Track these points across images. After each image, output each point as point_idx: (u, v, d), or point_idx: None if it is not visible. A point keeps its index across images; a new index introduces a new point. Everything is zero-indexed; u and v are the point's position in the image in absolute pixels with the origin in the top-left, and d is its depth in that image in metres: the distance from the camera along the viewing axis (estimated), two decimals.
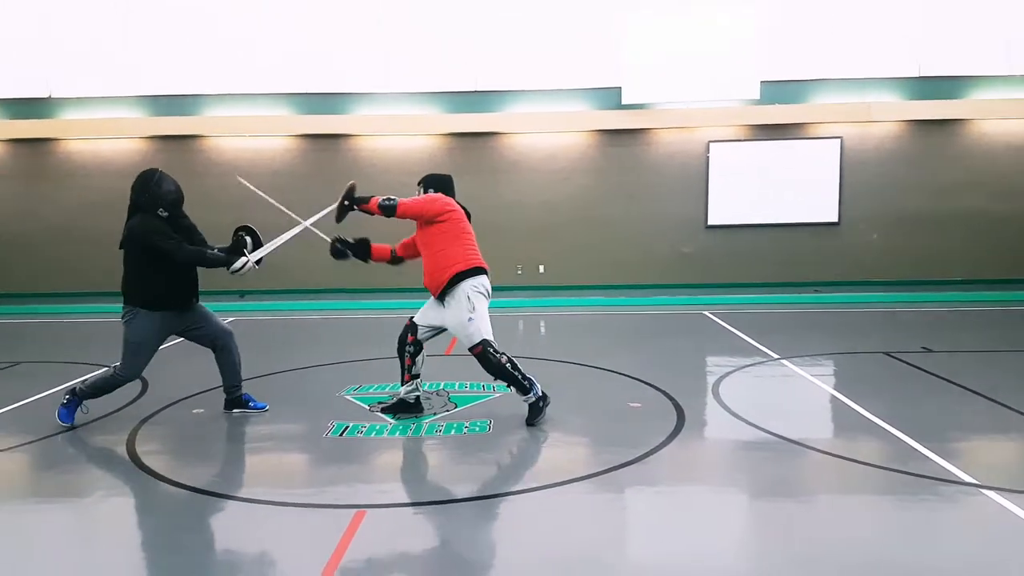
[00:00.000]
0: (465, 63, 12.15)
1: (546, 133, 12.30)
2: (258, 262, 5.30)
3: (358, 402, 5.85)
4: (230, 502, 4.00)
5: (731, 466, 4.61)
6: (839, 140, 12.27)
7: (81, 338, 9.34)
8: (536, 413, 5.21)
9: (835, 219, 12.44)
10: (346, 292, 11.88)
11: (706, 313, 10.27)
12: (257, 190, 5.74)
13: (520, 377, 5.12)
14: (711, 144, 12.27)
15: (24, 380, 6.81)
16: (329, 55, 12.17)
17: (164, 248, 4.99)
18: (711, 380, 6.48)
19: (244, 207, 12.48)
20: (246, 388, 5.68)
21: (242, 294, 12.19)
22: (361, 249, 5.46)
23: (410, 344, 5.34)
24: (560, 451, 4.89)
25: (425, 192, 5.32)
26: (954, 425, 5.20)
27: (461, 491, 4.10)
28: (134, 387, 6.38)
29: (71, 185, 12.51)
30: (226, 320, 10.06)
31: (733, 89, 11.83)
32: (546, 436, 5.08)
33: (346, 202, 5.04)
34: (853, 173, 12.32)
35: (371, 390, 6.17)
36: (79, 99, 12.28)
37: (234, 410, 5.60)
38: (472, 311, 5.05)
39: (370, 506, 3.89)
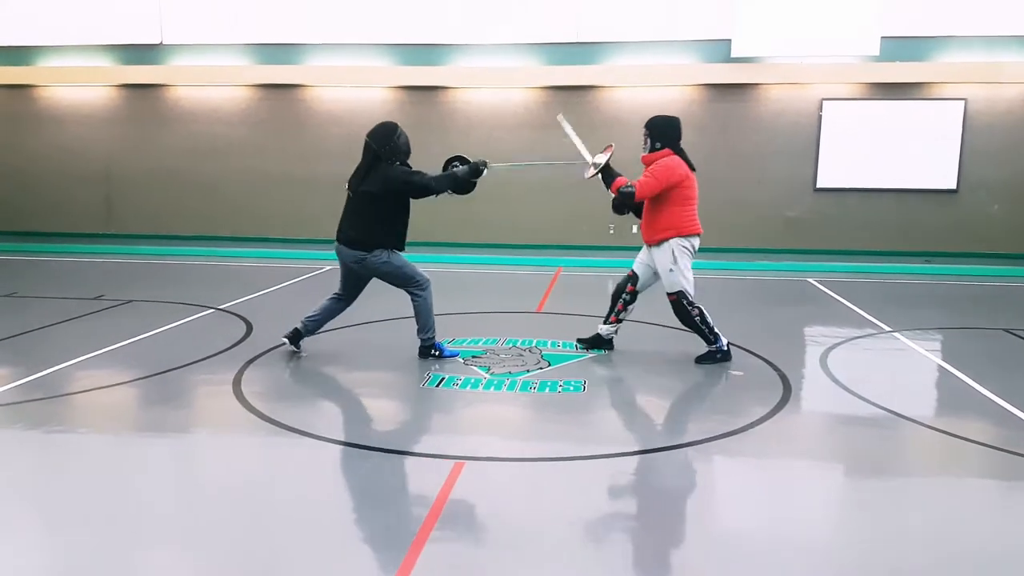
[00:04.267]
0: (566, 13, 11.80)
1: (649, 87, 11.84)
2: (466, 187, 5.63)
3: (453, 354, 5.86)
4: (333, 446, 4.07)
5: (838, 441, 4.40)
6: (963, 102, 11.36)
7: (187, 279, 9.73)
8: (710, 359, 5.65)
9: (953, 186, 11.61)
10: (440, 246, 11.95)
11: (811, 280, 9.83)
12: (571, 132, 6.07)
13: (707, 330, 5.59)
14: (824, 102, 11.56)
15: (136, 318, 7.12)
16: (429, 4, 12.05)
17: (423, 183, 5.38)
18: (818, 351, 6.18)
19: (343, 157, 12.75)
20: (352, 335, 5.80)
21: None
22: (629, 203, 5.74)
23: (627, 294, 5.83)
24: (658, 416, 4.77)
25: (651, 139, 5.59)
26: None
27: (557, 450, 4.05)
28: (238, 330, 6.61)
29: (179, 131, 12.94)
30: (324, 268, 10.41)
31: (850, 44, 11.03)
32: (644, 400, 4.98)
33: (602, 167, 5.62)
34: (976, 138, 11.41)
35: (465, 343, 6.17)
36: (188, 46, 12.62)
37: (428, 357, 5.72)
38: (674, 263, 5.49)
39: (469, 458, 3.88)
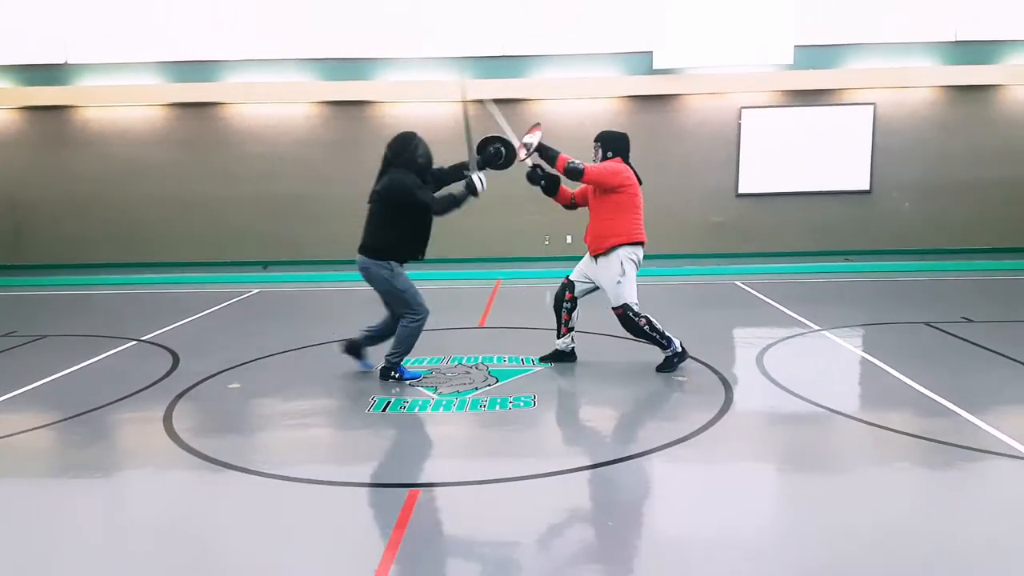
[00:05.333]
0: (491, 27, 11.82)
1: (575, 99, 11.99)
2: (502, 162, 5.56)
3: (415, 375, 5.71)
4: (278, 482, 3.87)
5: (780, 440, 4.50)
6: (872, 106, 11.94)
7: (104, 309, 9.25)
8: (669, 366, 5.68)
9: (867, 187, 12.16)
10: None
11: (738, 283, 10.07)
12: (498, 115, 5.96)
13: (659, 336, 5.61)
14: (743, 110, 11.96)
15: (51, 354, 6.71)
16: (351, 19, 11.87)
17: (423, 200, 5.15)
18: (754, 352, 6.31)
19: (265, 177, 12.43)
20: (285, 361, 5.58)
21: (265, 265, 12.09)
22: (552, 184, 5.79)
23: (567, 301, 5.86)
24: (610, 428, 4.76)
25: (603, 150, 5.63)
26: (1005, 397, 5.08)
27: (513, 469, 3.98)
28: (164, 362, 6.30)
29: (89, 154, 12.35)
30: (251, 292, 10.06)
31: (766, 53, 11.46)
32: (594, 412, 4.96)
33: (535, 147, 5.48)
34: (886, 140, 12.01)
35: (410, 363, 6.02)
36: (95, 65, 12.06)
37: (347, 353, 5.72)
38: (622, 275, 5.52)
39: (423, 485, 3.77)
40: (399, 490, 3.69)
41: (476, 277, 10.99)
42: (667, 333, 5.64)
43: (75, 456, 4.41)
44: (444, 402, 5.05)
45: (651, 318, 5.61)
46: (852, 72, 11.78)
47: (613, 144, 5.66)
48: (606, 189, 5.48)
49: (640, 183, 5.63)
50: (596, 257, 5.65)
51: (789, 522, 3.42)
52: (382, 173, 5.32)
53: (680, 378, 5.57)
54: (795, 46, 11.40)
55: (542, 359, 6.02)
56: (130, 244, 12.52)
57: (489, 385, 5.42)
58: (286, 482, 3.86)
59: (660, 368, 5.68)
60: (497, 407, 4.94)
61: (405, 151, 5.25)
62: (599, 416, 4.92)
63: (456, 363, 6.03)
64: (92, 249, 12.51)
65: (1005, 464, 3.91)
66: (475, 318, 7.85)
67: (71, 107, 12.22)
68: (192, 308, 8.75)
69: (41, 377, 5.87)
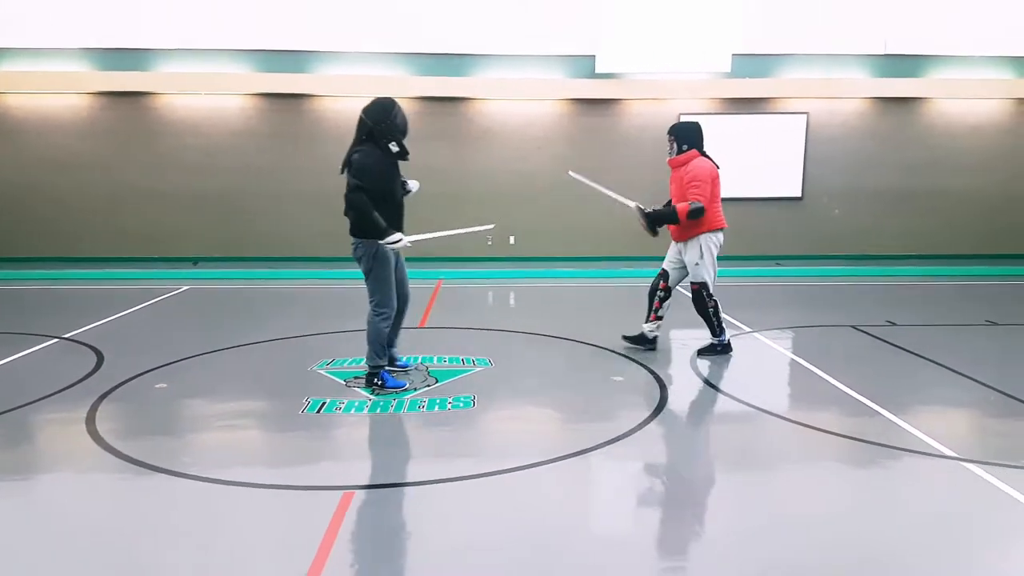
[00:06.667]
0: (434, 25, 11.74)
1: (518, 100, 12.01)
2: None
3: (332, 376, 5.62)
4: (208, 485, 3.76)
5: (712, 438, 4.62)
6: (806, 116, 12.31)
7: (24, 306, 8.82)
8: (711, 351, 6.26)
9: (799, 194, 12.53)
10: (307, 261, 11.52)
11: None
12: (590, 182, 6.63)
13: (716, 323, 6.18)
14: (681, 116, 12.14)
15: None
16: (291, 10, 11.62)
17: (351, 198, 4.97)
18: (688, 353, 6.43)
19: (197, 170, 12.05)
20: (214, 361, 5.41)
21: (195, 261, 11.73)
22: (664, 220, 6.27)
23: (661, 290, 6.32)
24: (547, 427, 4.76)
25: (677, 143, 6.04)
26: (927, 398, 5.31)
27: (451, 470, 3.95)
28: (87, 361, 6.05)
29: (11, 143, 11.77)
30: (180, 288, 9.75)
31: (705, 61, 11.70)
32: (533, 412, 4.96)
33: (649, 224, 6.21)
34: (818, 149, 12.40)
35: (345, 364, 5.94)
36: (19, 50, 11.50)
37: (371, 386, 5.36)
38: (700, 258, 6.07)
39: (357, 487, 3.71)
40: (332, 492, 3.62)
41: (417, 277, 10.85)
42: (723, 325, 6.23)
43: None
44: (381, 403, 4.98)
45: (719, 305, 6.18)
46: (787, 82, 12.11)
47: (687, 136, 6.05)
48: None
49: (718, 167, 6.05)
50: (679, 243, 6.17)
51: (720, 520, 3.48)
52: (356, 143, 5.08)
53: (617, 378, 5.63)
54: (733, 54, 11.68)
55: (625, 337, 6.46)
56: (54, 238, 11.99)
57: (428, 386, 5.37)
58: (215, 485, 3.75)
59: (701, 352, 6.25)
60: (436, 408, 4.90)
61: (385, 119, 5.04)
62: (538, 416, 4.93)
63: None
64: (12, 244, 11.94)
65: (926, 463, 4.07)
66: (416, 318, 7.78)
67: None
68: (118, 305, 8.42)
69: None
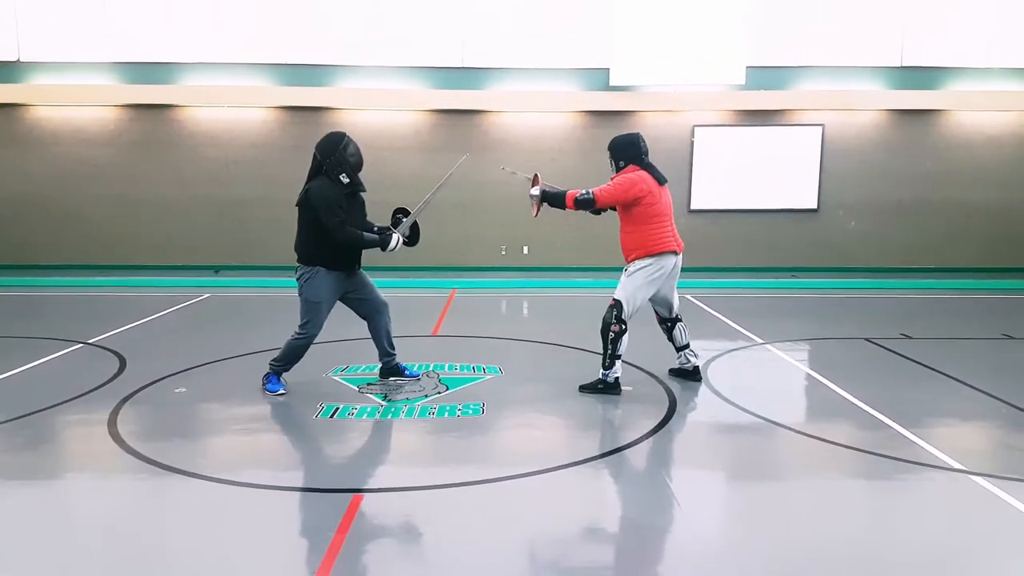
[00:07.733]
0: (452, 39, 11.93)
1: (533, 112, 12.16)
2: (410, 239, 5.55)
3: (346, 383, 5.74)
4: (223, 486, 3.88)
5: (722, 450, 4.62)
6: (821, 127, 12.33)
7: (50, 312, 9.05)
8: (592, 389, 5.50)
9: (814, 206, 12.53)
10: None
11: (688, 296, 10.27)
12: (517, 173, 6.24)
13: (610, 353, 5.38)
14: (696, 128, 12.25)
15: None
16: (312, 25, 11.87)
17: (327, 225, 5.05)
18: (699, 364, 6.46)
19: (219, 180, 12.30)
20: (233, 367, 5.56)
21: (216, 269, 11.95)
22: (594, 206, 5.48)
23: (666, 324, 5.84)
24: (556, 435, 4.84)
25: (613, 161, 5.47)
26: (939, 411, 5.29)
27: (458, 475, 4.04)
28: (111, 365, 6.22)
29: (41, 154, 12.10)
30: (202, 296, 9.94)
31: (719, 73, 11.78)
32: (541, 420, 5.04)
33: (541, 198, 5.46)
34: (833, 160, 12.41)
35: (359, 371, 6.06)
36: (49, 64, 11.84)
37: (390, 378, 5.70)
38: (628, 275, 5.40)
39: (367, 490, 3.82)
40: (343, 495, 3.73)
41: (431, 286, 11.02)
42: (617, 361, 5.42)
43: (17, 459, 4.35)
44: (393, 409, 5.09)
45: (623, 337, 5.37)
46: (802, 94, 12.15)
47: (622, 151, 5.45)
48: (625, 205, 5.36)
49: (663, 182, 5.44)
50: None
51: (730, 532, 3.52)
52: (310, 177, 5.26)
53: (626, 387, 5.68)
54: (747, 67, 11.74)
55: (671, 371, 5.98)
56: (80, 246, 12.28)
57: (439, 393, 5.47)
58: (230, 486, 3.87)
59: (583, 388, 5.55)
60: (446, 414, 5.00)
61: (333, 153, 5.14)
62: (546, 423, 5.01)
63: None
64: (40, 251, 12.24)
65: (938, 476, 4.06)
66: (428, 327, 7.89)
67: (22, 106, 11.96)
68: (141, 312, 8.63)
69: None
